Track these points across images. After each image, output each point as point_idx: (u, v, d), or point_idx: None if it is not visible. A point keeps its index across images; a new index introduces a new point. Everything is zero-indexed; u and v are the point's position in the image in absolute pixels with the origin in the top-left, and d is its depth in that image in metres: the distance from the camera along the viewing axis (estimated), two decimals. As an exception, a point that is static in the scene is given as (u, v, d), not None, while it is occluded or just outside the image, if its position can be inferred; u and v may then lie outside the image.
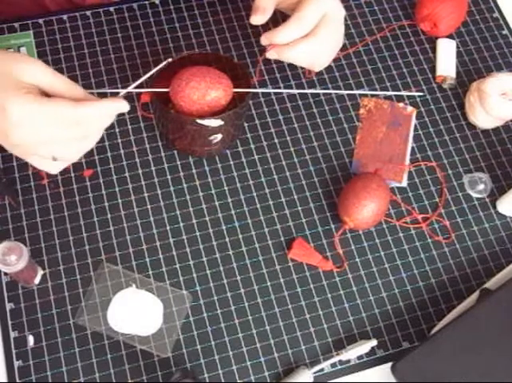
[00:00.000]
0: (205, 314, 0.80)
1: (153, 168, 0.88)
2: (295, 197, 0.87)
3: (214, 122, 0.79)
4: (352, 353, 0.77)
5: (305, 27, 0.78)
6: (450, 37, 1.01)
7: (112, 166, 0.87)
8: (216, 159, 0.89)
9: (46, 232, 0.82)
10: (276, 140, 0.91)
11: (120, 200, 0.85)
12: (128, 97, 0.92)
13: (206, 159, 0.89)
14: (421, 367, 0.74)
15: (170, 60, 0.78)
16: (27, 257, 0.71)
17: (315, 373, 0.78)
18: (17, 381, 0.75)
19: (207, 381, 0.77)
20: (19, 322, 0.77)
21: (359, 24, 1.01)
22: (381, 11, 1.03)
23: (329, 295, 0.82)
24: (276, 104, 0.93)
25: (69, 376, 0.75)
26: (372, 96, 0.95)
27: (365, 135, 0.92)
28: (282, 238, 0.85)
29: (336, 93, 0.95)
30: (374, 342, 0.78)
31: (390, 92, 0.88)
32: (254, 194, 0.87)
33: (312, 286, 0.82)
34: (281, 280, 0.82)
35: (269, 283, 0.82)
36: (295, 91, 0.82)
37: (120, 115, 0.90)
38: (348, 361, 0.79)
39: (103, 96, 0.91)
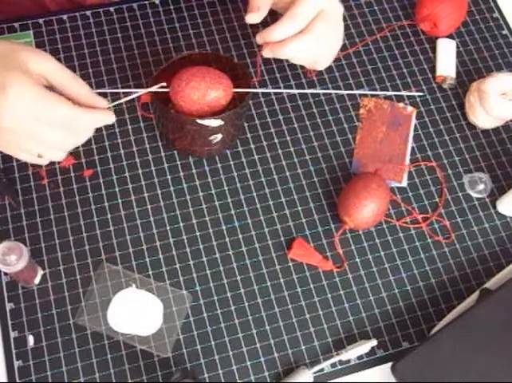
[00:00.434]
0: (205, 314, 0.80)
1: (153, 168, 0.88)
2: (295, 197, 0.87)
3: (214, 122, 0.79)
4: (352, 353, 0.77)
5: (298, 23, 0.77)
6: (450, 37, 1.01)
7: (112, 166, 0.87)
8: (216, 159, 0.89)
9: (46, 232, 0.82)
10: (276, 140, 0.91)
11: (120, 200, 0.85)
12: (128, 97, 0.92)
13: (206, 159, 0.89)
14: (421, 367, 0.74)
15: (163, 84, 0.78)
16: (27, 257, 0.71)
17: (315, 373, 0.78)
18: (17, 381, 0.75)
19: (207, 381, 0.77)
20: (19, 322, 0.77)
21: (359, 24, 1.01)
22: (381, 11, 1.03)
23: (329, 295, 0.82)
24: (276, 104, 0.93)
25: (69, 376, 0.75)
26: (372, 96, 0.95)
27: (365, 135, 0.92)
28: (282, 238, 0.85)
29: (336, 93, 0.95)
30: (374, 342, 0.78)
31: (390, 92, 0.88)
32: (254, 194, 0.87)
33: (312, 286, 0.82)
34: (281, 280, 0.82)
35: (269, 283, 0.82)
36: (295, 91, 0.82)
37: (120, 115, 0.90)
38: (348, 361, 0.79)
39: (103, 96, 0.91)
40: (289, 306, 0.81)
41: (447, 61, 0.98)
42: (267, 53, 0.79)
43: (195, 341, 0.78)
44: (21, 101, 0.61)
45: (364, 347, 0.77)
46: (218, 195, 0.87)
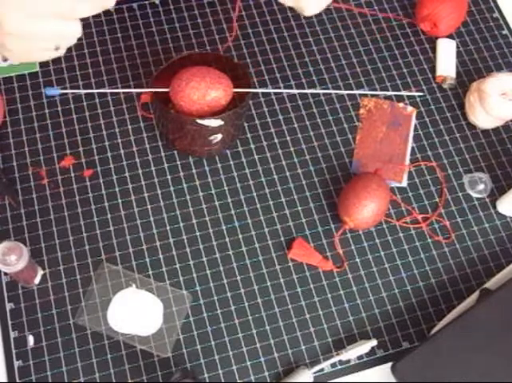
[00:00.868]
0: (205, 314, 0.80)
1: (153, 168, 0.88)
2: (295, 197, 0.87)
3: (214, 122, 0.79)
4: (352, 353, 0.77)
5: None
6: (450, 37, 1.01)
7: (112, 166, 0.87)
8: (216, 159, 0.89)
9: (46, 232, 0.82)
10: (276, 140, 0.91)
11: (120, 200, 0.85)
12: (128, 97, 0.92)
13: (206, 159, 0.89)
14: (421, 367, 0.74)
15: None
16: (27, 257, 0.71)
17: (315, 373, 0.78)
18: (17, 381, 0.75)
19: (207, 381, 0.77)
20: (19, 322, 0.77)
21: (359, 24, 1.01)
22: (381, 11, 1.03)
23: (329, 295, 0.82)
24: (276, 104, 0.93)
25: (69, 376, 0.75)
26: (372, 96, 0.95)
27: (365, 135, 0.93)
28: (282, 238, 0.85)
29: (336, 93, 0.95)
30: (374, 342, 0.78)
31: (390, 92, 0.88)
32: (254, 194, 0.87)
33: (312, 286, 0.82)
34: (281, 280, 0.82)
35: (269, 283, 0.82)
36: (295, 91, 0.82)
37: (120, 115, 0.90)
38: (348, 361, 0.79)
39: (103, 96, 0.91)
40: (289, 306, 0.81)
41: (447, 61, 0.98)
42: None
43: (195, 341, 0.78)
44: (12, 2, 0.58)
45: (364, 347, 0.77)
46: (218, 195, 0.87)
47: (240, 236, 0.84)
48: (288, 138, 0.91)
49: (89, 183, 0.86)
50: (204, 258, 0.83)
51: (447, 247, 0.86)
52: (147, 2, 0.99)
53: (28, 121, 0.89)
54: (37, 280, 0.79)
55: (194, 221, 0.85)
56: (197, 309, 0.80)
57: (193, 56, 0.85)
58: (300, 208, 0.87)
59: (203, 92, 0.78)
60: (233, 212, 0.86)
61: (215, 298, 0.81)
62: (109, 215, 0.84)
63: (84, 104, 0.91)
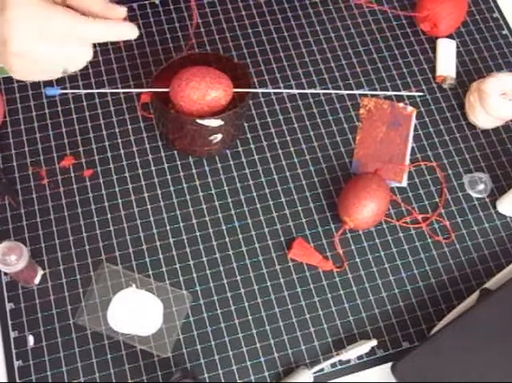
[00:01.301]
0: (205, 314, 0.80)
1: (153, 168, 0.88)
2: (295, 197, 0.87)
3: (214, 122, 0.79)
4: (352, 353, 0.77)
5: None
6: (450, 37, 1.01)
7: (112, 166, 0.87)
8: (216, 159, 0.89)
9: (46, 232, 0.82)
10: (276, 140, 0.91)
11: (120, 200, 0.85)
12: (128, 97, 0.92)
13: (206, 159, 0.89)
14: (421, 367, 0.74)
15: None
16: (27, 257, 0.71)
17: (315, 373, 0.78)
18: (17, 381, 0.75)
19: (207, 381, 0.77)
20: (19, 322, 0.77)
21: (359, 24, 1.01)
22: (381, 11, 1.03)
23: (329, 295, 0.82)
24: (276, 104, 0.93)
25: (69, 376, 0.75)
26: (372, 96, 0.95)
27: (365, 135, 0.92)
28: (282, 238, 0.85)
29: (336, 93, 0.95)
30: (374, 342, 0.78)
31: (390, 92, 0.88)
32: (254, 194, 0.87)
33: (312, 286, 0.82)
34: (281, 280, 0.82)
35: (269, 283, 0.82)
36: (295, 91, 0.82)
37: (120, 115, 0.90)
38: (348, 361, 0.79)
39: (103, 96, 0.91)
40: (289, 306, 0.81)
41: (447, 61, 0.98)
42: None
43: (195, 341, 0.78)
44: (23, 22, 0.56)
45: (364, 347, 0.77)
46: (218, 195, 0.87)
47: (240, 236, 0.84)
48: (288, 138, 0.91)
49: (89, 183, 0.86)
50: (204, 258, 0.83)
51: (447, 247, 0.86)
52: (147, 2, 0.99)
53: (28, 121, 0.89)
54: (37, 280, 0.79)
55: (194, 221, 0.85)
56: (197, 309, 0.80)
57: (193, 56, 0.85)
58: (300, 208, 0.87)
59: (203, 92, 0.78)
60: (233, 212, 0.86)
61: (215, 298, 0.81)
62: (109, 215, 0.84)
63: (84, 104, 0.91)
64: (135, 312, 0.78)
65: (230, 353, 0.78)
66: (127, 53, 0.95)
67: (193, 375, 0.73)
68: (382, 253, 0.85)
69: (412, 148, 0.93)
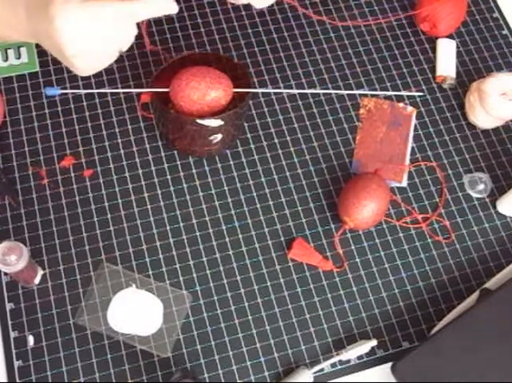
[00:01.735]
0: (205, 314, 0.80)
1: (153, 168, 0.88)
2: (295, 197, 0.87)
3: (214, 122, 0.79)
4: (352, 353, 0.77)
5: None
6: (450, 37, 1.01)
7: (112, 166, 0.87)
8: (216, 159, 0.89)
9: (46, 232, 0.82)
10: (276, 140, 0.91)
11: (120, 200, 0.85)
12: (128, 97, 0.92)
13: (206, 159, 0.89)
14: (421, 367, 0.74)
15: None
16: (27, 257, 0.71)
17: (315, 373, 0.78)
18: (17, 381, 0.75)
19: (207, 381, 0.77)
20: (19, 322, 0.77)
21: (359, 24, 1.01)
22: (381, 11, 1.03)
23: (329, 295, 0.82)
24: (276, 104, 0.93)
25: (69, 376, 0.75)
26: (372, 96, 0.95)
27: (365, 135, 0.93)
28: (282, 238, 0.85)
29: (336, 93, 0.95)
30: (374, 342, 0.78)
31: (390, 92, 0.88)
32: (254, 194, 0.87)
33: (312, 286, 0.82)
34: (281, 280, 0.82)
35: (269, 283, 0.82)
36: (295, 91, 0.82)
37: (120, 115, 0.90)
38: (348, 361, 0.79)
39: (103, 96, 0.91)
40: (289, 306, 0.81)
41: (447, 61, 0.98)
42: None
43: (195, 341, 0.78)
44: (70, 26, 0.59)
45: (364, 347, 0.77)
46: (218, 195, 0.87)
47: (240, 236, 0.84)
48: (288, 138, 0.91)
49: (89, 183, 0.86)
50: (204, 258, 0.83)
51: (447, 247, 0.86)
52: (147, 2, 0.99)
53: (28, 121, 0.89)
54: (37, 280, 0.79)
55: (194, 221, 0.85)
56: (197, 309, 0.80)
57: (193, 56, 0.85)
58: (300, 208, 0.87)
59: (203, 92, 0.78)
60: (233, 212, 0.86)
61: (215, 298, 0.81)
62: (109, 215, 0.84)
63: (84, 104, 0.91)
64: (135, 312, 0.78)
65: (230, 353, 0.78)
66: (127, 53, 0.95)
67: (193, 375, 0.73)
68: (382, 253, 0.85)
69: (412, 148, 0.93)
